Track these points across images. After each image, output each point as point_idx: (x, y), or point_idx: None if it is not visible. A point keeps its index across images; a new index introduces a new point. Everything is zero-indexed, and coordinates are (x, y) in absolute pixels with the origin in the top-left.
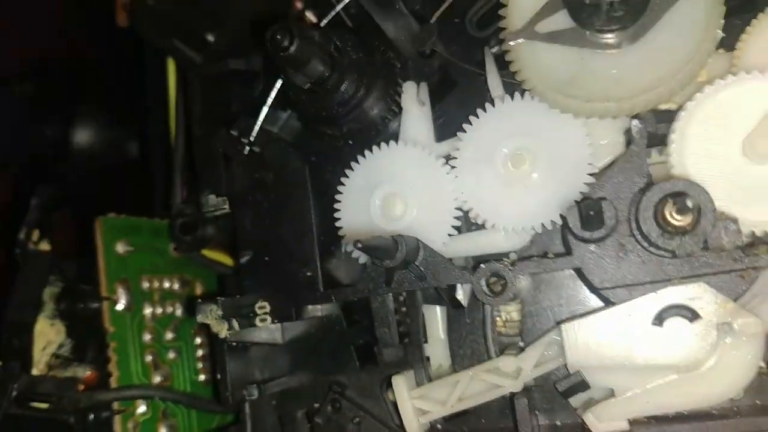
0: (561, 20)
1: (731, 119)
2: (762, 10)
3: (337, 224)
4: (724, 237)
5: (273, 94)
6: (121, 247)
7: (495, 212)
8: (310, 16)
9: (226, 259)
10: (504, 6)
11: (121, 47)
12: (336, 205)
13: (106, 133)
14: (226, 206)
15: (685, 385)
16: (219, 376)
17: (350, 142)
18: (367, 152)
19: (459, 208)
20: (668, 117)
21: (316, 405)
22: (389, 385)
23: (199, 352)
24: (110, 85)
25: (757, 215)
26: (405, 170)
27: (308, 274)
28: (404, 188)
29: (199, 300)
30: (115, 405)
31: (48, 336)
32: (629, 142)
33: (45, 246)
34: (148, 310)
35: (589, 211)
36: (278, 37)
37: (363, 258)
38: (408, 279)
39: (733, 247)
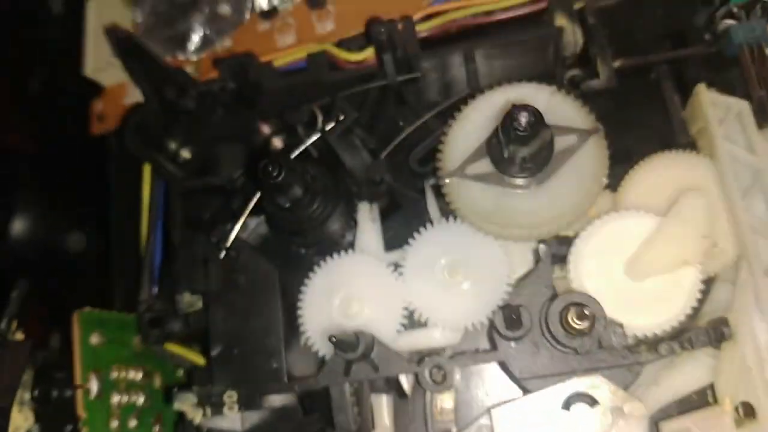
0: (485, 165)
1: (615, 246)
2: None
3: (300, 321)
4: (613, 338)
5: (249, 207)
6: (95, 339)
7: (435, 312)
8: (277, 141)
9: (190, 354)
10: (440, 152)
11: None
12: (299, 304)
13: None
14: (200, 303)
15: None
16: None
17: (313, 250)
18: (328, 258)
19: (405, 308)
20: (567, 242)
21: None
22: None
23: None
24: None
25: (638, 321)
26: (360, 275)
27: (274, 366)
28: (359, 290)
29: (176, 389)
30: None
31: (16, 422)
32: (537, 260)
33: (20, 335)
34: (115, 398)
35: (511, 315)
36: (269, 168)
37: (322, 351)
38: (364, 370)
39: (621, 347)
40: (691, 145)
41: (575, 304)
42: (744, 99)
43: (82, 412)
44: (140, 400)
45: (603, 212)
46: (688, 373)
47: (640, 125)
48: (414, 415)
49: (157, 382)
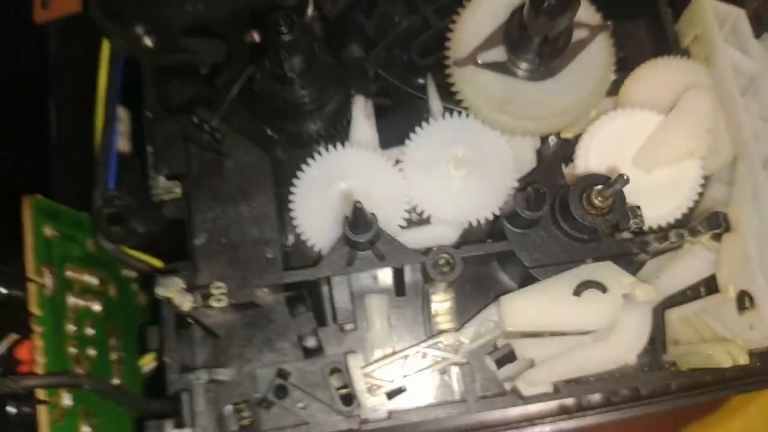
0: (498, 53)
1: (621, 140)
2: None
3: (292, 213)
4: (631, 218)
5: (240, 83)
6: (48, 230)
7: (438, 208)
8: (256, 34)
9: (148, 258)
10: (448, 39)
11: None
12: (291, 197)
13: None
14: (178, 190)
15: (595, 351)
16: (165, 359)
17: (308, 138)
18: (323, 150)
19: (407, 203)
20: (569, 143)
21: (257, 395)
22: (332, 372)
23: (113, 355)
24: None
25: (645, 213)
26: (361, 169)
27: (269, 255)
28: (359, 185)
29: (157, 273)
30: (40, 394)
31: None
32: (539, 158)
33: None
34: (71, 301)
35: (532, 196)
36: (281, 21)
37: (318, 245)
38: (368, 260)
39: (636, 229)
40: (684, 54)
41: (604, 180)
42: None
43: (36, 309)
44: (96, 306)
45: (602, 113)
46: (689, 265)
47: (634, 36)
48: (413, 313)
49: (112, 291)
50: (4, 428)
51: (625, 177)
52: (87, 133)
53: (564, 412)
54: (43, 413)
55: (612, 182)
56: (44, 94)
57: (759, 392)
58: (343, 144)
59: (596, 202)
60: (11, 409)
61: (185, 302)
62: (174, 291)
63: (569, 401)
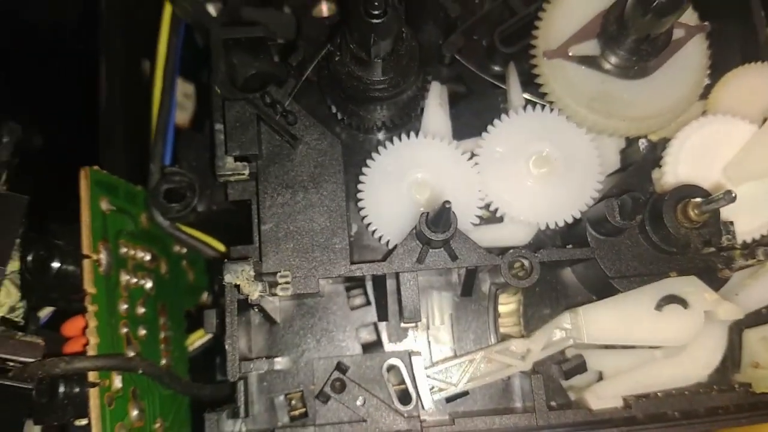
0: (590, 47)
1: (710, 148)
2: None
3: (361, 204)
4: (724, 234)
5: (315, 62)
6: (104, 204)
7: (514, 207)
8: (325, 8)
9: (208, 239)
10: (536, 29)
11: None
12: (359, 186)
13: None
14: (245, 172)
15: (668, 367)
16: (227, 346)
17: (380, 125)
18: (395, 139)
19: (481, 200)
20: (654, 146)
21: (312, 387)
22: (389, 370)
23: (162, 335)
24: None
25: (737, 227)
26: (434, 160)
27: (337, 245)
28: (432, 177)
29: (227, 260)
30: (92, 376)
31: None
32: (624, 160)
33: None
34: (124, 278)
35: (628, 204)
36: (376, 3)
37: (386, 238)
38: (440, 258)
39: (730, 245)
40: None
41: (696, 194)
42: None
43: (90, 287)
44: (148, 284)
45: (690, 118)
46: None
47: (724, 38)
48: (477, 314)
49: (163, 268)
50: (56, 408)
51: (733, 195)
52: (136, 103)
53: (623, 423)
54: (94, 397)
55: (715, 198)
56: (95, 61)
57: None
58: (413, 133)
59: (692, 214)
60: (63, 390)
61: (255, 290)
62: (243, 278)
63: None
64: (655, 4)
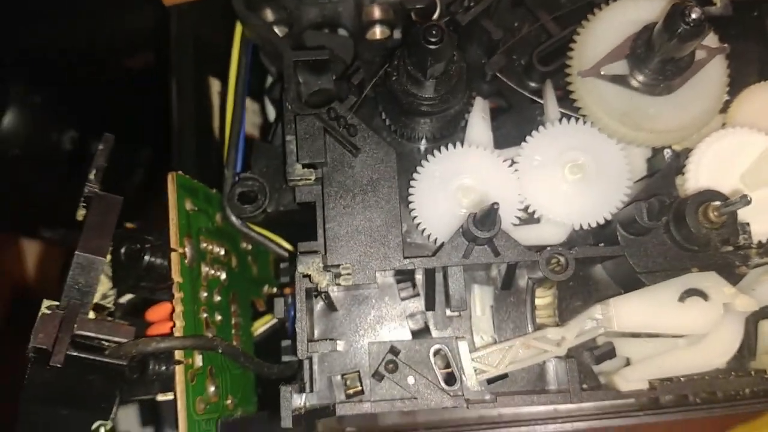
0: (620, 67)
1: (729, 157)
2: (739, 89)
3: (411, 206)
4: (741, 234)
5: (373, 81)
6: (188, 204)
7: (550, 209)
8: (378, 31)
9: (276, 237)
10: (571, 50)
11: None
12: (410, 190)
13: None
14: (312, 177)
15: (690, 354)
16: (297, 328)
17: (425, 136)
18: (442, 148)
19: (521, 202)
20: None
21: (367, 367)
22: (436, 354)
23: (233, 320)
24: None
25: (751, 229)
26: (478, 167)
27: (392, 242)
28: (477, 182)
29: (300, 253)
30: (178, 355)
31: None
32: (650, 168)
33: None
34: (204, 269)
35: (655, 207)
36: (433, 32)
37: (435, 236)
38: (484, 254)
39: (746, 244)
40: None
41: (716, 198)
42: None
43: (177, 276)
44: (222, 275)
45: (711, 131)
46: None
47: (742, 57)
48: (516, 305)
49: (234, 262)
50: (144, 384)
51: (748, 198)
52: (205, 118)
53: (645, 408)
54: (180, 373)
55: (732, 201)
56: (167, 79)
57: None
58: (457, 143)
59: (712, 216)
60: (151, 368)
61: (324, 280)
62: (314, 269)
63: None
64: (679, 30)
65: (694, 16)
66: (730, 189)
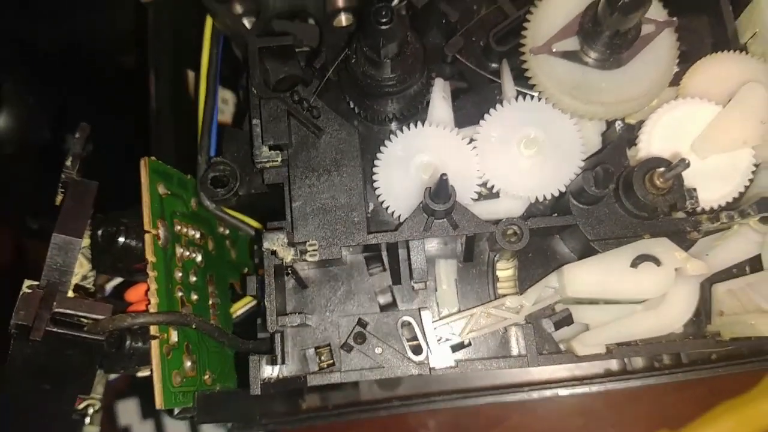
0: (571, 43)
1: (680, 128)
2: (693, 62)
3: (376, 184)
4: (688, 200)
5: (336, 64)
6: (161, 189)
7: (508, 183)
8: (344, 18)
9: (247, 218)
10: (525, 29)
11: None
12: (374, 169)
13: None
14: (278, 159)
15: (646, 319)
16: (266, 303)
17: (391, 117)
18: (404, 128)
19: (480, 178)
20: (631, 128)
21: (338, 340)
22: (403, 325)
23: (210, 301)
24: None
25: (700, 195)
26: (438, 146)
27: (356, 219)
28: (437, 160)
29: (265, 230)
30: (153, 330)
31: None
32: (604, 141)
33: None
34: (178, 251)
35: (600, 175)
36: (382, 12)
37: (398, 213)
38: (443, 227)
39: (691, 209)
40: (743, 50)
41: (667, 163)
42: None
43: (151, 256)
44: (198, 257)
45: (663, 101)
46: (737, 245)
47: (695, 31)
48: (478, 276)
49: (210, 245)
50: (122, 358)
51: (687, 161)
52: (182, 107)
53: (611, 374)
54: (155, 347)
55: (674, 166)
56: (145, 70)
57: None
58: (421, 122)
59: (658, 183)
60: (128, 343)
61: (288, 255)
62: (279, 245)
63: (614, 366)
64: (620, 3)
65: None
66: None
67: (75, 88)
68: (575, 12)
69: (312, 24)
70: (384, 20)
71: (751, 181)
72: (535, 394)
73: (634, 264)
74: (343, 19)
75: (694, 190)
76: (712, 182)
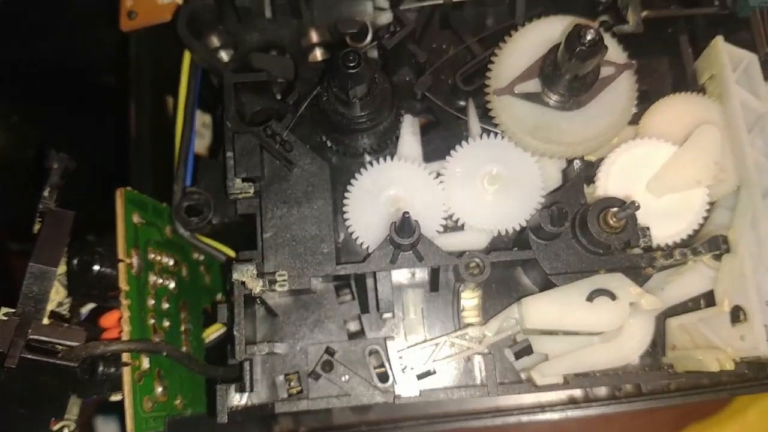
0: (533, 85)
1: (637, 167)
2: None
3: (346, 216)
4: (641, 238)
5: (308, 101)
6: (135, 218)
7: (472, 217)
8: (318, 53)
9: (221, 246)
10: (489, 71)
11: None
12: (345, 201)
13: None
14: (251, 191)
15: (603, 351)
16: (235, 332)
17: (362, 151)
18: (374, 162)
19: (445, 212)
20: (592, 165)
21: (307, 368)
22: (371, 353)
23: (183, 327)
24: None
25: (654, 232)
26: (406, 180)
27: (325, 250)
28: (405, 193)
29: (235, 261)
30: (125, 357)
31: None
32: (564, 178)
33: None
34: (152, 278)
35: (554, 213)
36: (350, 57)
37: (366, 244)
38: (409, 259)
39: (645, 247)
40: (700, 91)
41: (619, 203)
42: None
43: (124, 284)
44: (171, 284)
45: (623, 141)
46: (691, 281)
47: (657, 71)
48: (444, 306)
49: (184, 272)
50: (95, 384)
51: (636, 204)
52: (161, 134)
53: (572, 402)
54: (127, 373)
55: (626, 207)
56: (126, 98)
57: (758, 397)
58: (391, 157)
59: (611, 222)
60: (101, 369)
61: (257, 286)
62: (248, 276)
63: (578, 393)
64: (577, 50)
65: (589, 37)
66: (637, 197)
67: (58, 108)
68: (537, 55)
69: (287, 58)
70: (352, 64)
71: (705, 218)
72: (498, 421)
73: (590, 298)
74: (318, 54)
75: (648, 228)
76: (667, 220)
